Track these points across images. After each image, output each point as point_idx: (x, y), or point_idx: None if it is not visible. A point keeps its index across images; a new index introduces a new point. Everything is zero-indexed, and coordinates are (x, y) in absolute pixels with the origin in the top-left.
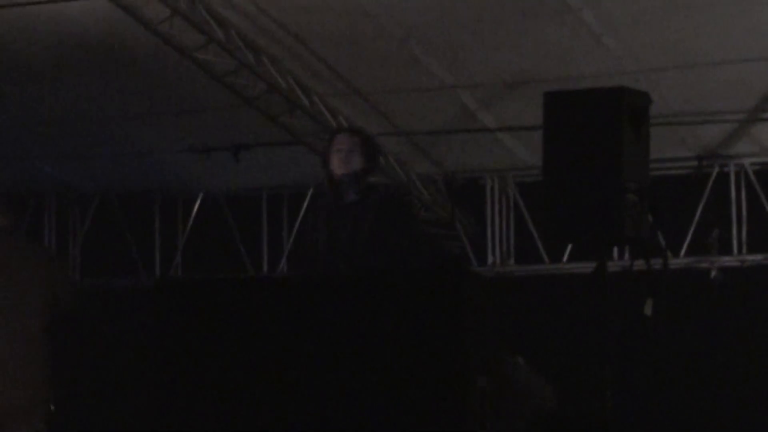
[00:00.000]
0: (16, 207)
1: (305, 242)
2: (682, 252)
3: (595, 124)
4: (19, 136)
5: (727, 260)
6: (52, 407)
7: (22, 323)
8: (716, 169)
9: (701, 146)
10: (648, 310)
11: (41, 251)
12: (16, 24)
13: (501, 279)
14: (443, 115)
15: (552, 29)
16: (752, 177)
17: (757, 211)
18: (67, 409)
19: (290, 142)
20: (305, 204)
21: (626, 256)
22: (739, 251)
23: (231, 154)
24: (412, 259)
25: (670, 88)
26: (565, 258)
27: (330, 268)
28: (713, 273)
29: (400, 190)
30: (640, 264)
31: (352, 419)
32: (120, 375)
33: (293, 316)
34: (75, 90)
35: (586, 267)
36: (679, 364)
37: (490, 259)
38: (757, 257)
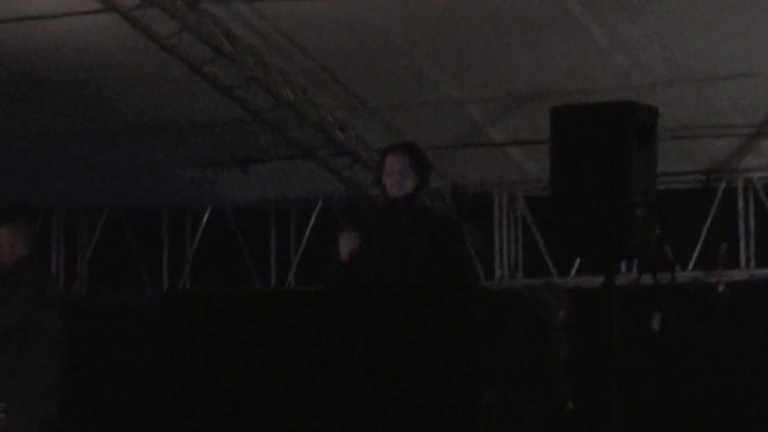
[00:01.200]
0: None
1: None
2: (690, 266)
3: (603, 139)
4: (27, 150)
5: (735, 274)
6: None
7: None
8: (724, 184)
9: (709, 160)
10: (656, 324)
11: (54, 280)
12: (27, 38)
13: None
14: (451, 129)
15: (560, 44)
16: (760, 191)
17: (764, 225)
18: (75, 422)
19: (298, 156)
20: (313, 216)
21: (634, 270)
22: (747, 265)
23: (239, 167)
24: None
25: (677, 102)
26: (573, 272)
27: (379, 284)
28: (721, 287)
29: (451, 213)
30: (647, 278)
31: None
32: (126, 390)
33: (301, 331)
34: (84, 104)
35: (594, 281)
36: (687, 378)
37: (498, 273)
38: (765, 271)
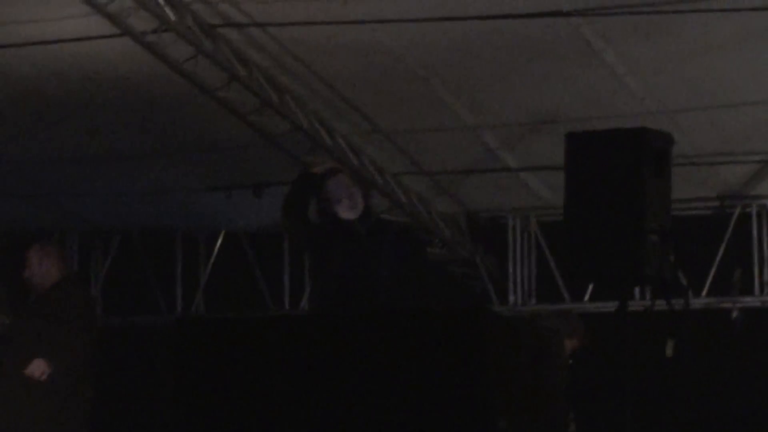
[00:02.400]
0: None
1: (323, 280)
2: (704, 292)
3: (617, 165)
4: (42, 173)
5: (749, 300)
6: None
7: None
8: (738, 210)
9: (723, 186)
10: (669, 350)
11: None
12: (42, 62)
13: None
14: (465, 154)
15: (574, 70)
16: None
17: None
18: None
19: None
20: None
21: (648, 296)
22: (761, 291)
23: (253, 192)
24: (428, 295)
25: (692, 128)
26: (587, 297)
27: (347, 306)
28: (735, 313)
29: (412, 227)
30: (661, 304)
31: None
32: (140, 413)
33: (314, 355)
34: (97, 128)
35: (608, 307)
36: (701, 404)
37: (511, 299)
38: None
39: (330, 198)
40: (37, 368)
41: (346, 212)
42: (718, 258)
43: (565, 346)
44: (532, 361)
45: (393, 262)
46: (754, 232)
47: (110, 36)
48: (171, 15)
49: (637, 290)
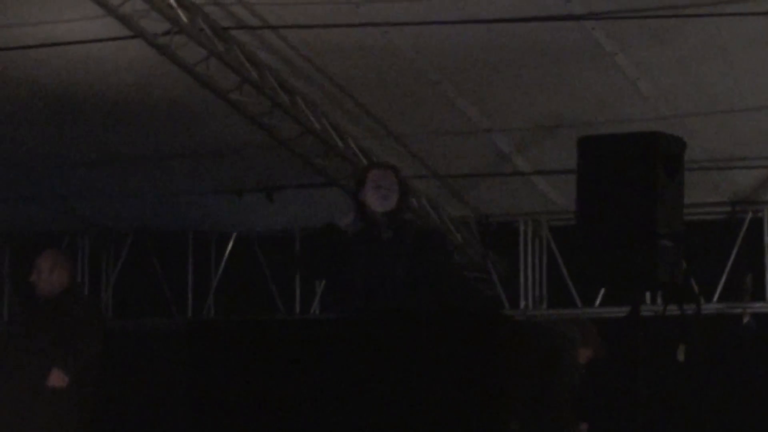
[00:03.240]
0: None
1: (340, 279)
2: (715, 297)
3: (629, 169)
4: (53, 175)
5: (760, 306)
6: None
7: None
8: (750, 215)
9: (735, 192)
10: (681, 355)
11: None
12: (54, 64)
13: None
14: (477, 158)
15: (587, 73)
16: None
17: None
18: None
19: (324, 184)
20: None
21: (659, 301)
22: None
23: (264, 195)
24: (447, 295)
25: (704, 133)
26: (598, 302)
27: (367, 306)
28: (746, 318)
29: (433, 227)
30: (673, 309)
31: None
32: (151, 415)
33: (325, 358)
34: (110, 130)
35: (619, 311)
36: (712, 409)
37: (522, 303)
38: None
39: (368, 184)
40: (58, 379)
41: (378, 202)
42: (729, 263)
43: (579, 355)
44: (544, 366)
45: (411, 263)
46: (766, 238)
47: (122, 38)
48: (183, 17)
49: (648, 295)
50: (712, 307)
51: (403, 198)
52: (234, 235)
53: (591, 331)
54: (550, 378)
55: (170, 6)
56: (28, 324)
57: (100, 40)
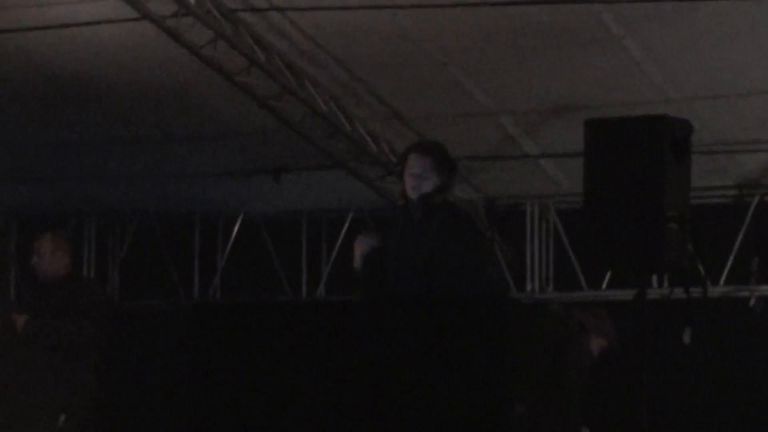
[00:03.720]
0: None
1: (369, 261)
2: (722, 280)
3: (637, 152)
4: (60, 157)
5: (767, 289)
6: (63, 417)
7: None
8: (756, 198)
9: (742, 175)
10: (687, 338)
11: (99, 288)
12: (60, 46)
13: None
14: (484, 140)
15: (594, 56)
16: None
17: None
18: (107, 428)
19: (331, 166)
20: (345, 227)
21: (666, 283)
22: None
23: (271, 177)
24: (472, 275)
25: (712, 116)
26: (605, 285)
27: (396, 285)
28: (752, 301)
29: (468, 209)
30: (679, 292)
31: None
32: (158, 396)
33: (331, 340)
34: (116, 112)
35: (626, 294)
36: (719, 392)
37: (529, 286)
38: None
39: (406, 169)
40: (19, 320)
41: (410, 189)
42: (736, 246)
43: (591, 343)
44: (552, 350)
45: (434, 245)
46: None
47: (130, 20)
48: None
49: (655, 278)
50: (718, 290)
51: (442, 179)
52: (241, 217)
53: (606, 320)
54: (558, 362)
55: None
56: (34, 307)
57: (107, 22)
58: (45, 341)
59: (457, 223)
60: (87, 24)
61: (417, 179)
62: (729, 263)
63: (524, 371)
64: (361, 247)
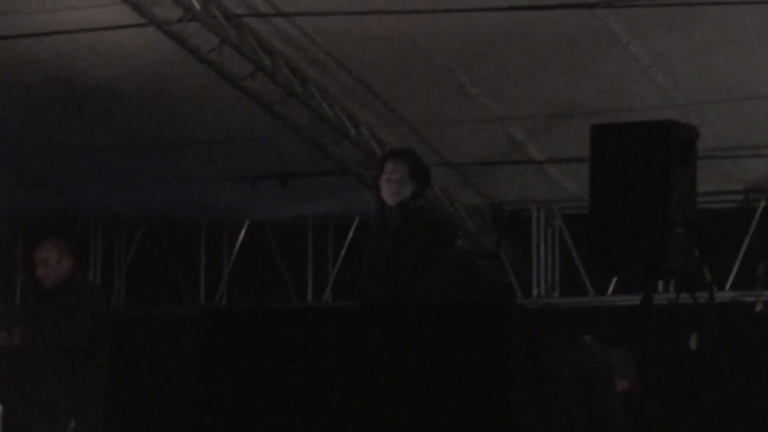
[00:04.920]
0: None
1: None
2: (728, 285)
3: (643, 157)
4: (66, 163)
5: None
6: (72, 423)
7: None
8: (763, 203)
9: (748, 180)
10: (693, 343)
11: (95, 289)
12: (67, 51)
13: (545, 311)
14: (490, 146)
15: (600, 62)
16: None
17: None
18: None
19: (337, 172)
20: (351, 232)
21: (672, 289)
22: None
23: (278, 182)
24: (449, 285)
25: (717, 121)
26: (610, 290)
27: (370, 294)
28: (759, 307)
29: (442, 216)
30: (685, 297)
31: None
32: (163, 402)
33: (337, 346)
34: (122, 117)
35: (631, 300)
36: (724, 397)
37: (534, 291)
38: None
39: (383, 176)
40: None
41: (388, 196)
42: (742, 251)
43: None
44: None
45: (419, 252)
46: None
47: (135, 25)
48: (196, 4)
49: (661, 283)
50: (724, 295)
51: (418, 185)
52: (247, 222)
53: (630, 362)
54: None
55: None
56: (36, 312)
57: (113, 28)
58: (42, 344)
59: (429, 228)
60: (94, 30)
61: (396, 185)
62: (735, 268)
63: (531, 377)
64: None
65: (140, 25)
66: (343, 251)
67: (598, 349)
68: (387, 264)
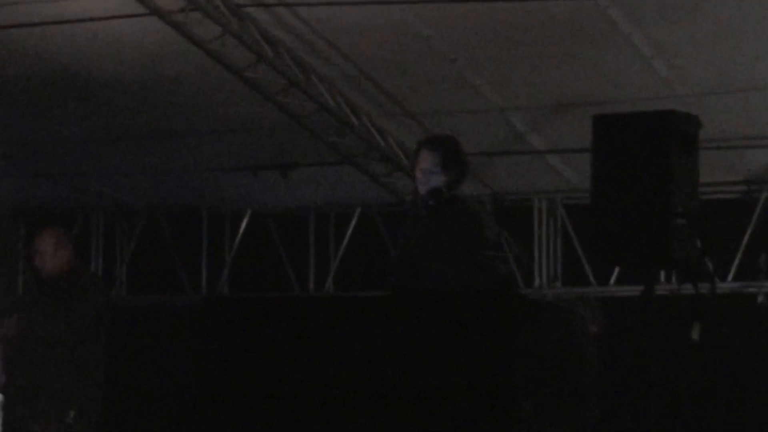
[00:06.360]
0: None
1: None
2: (730, 276)
3: (645, 148)
4: (67, 152)
5: None
6: (72, 413)
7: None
8: (765, 194)
9: (750, 171)
10: (695, 334)
11: (95, 280)
12: (69, 40)
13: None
14: (492, 136)
15: (602, 52)
16: None
17: None
18: (114, 424)
19: (339, 162)
20: (353, 222)
21: (674, 279)
22: None
23: (279, 172)
24: (473, 273)
25: (719, 112)
26: (612, 281)
27: (399, 281)
28: (760, 297)
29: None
30: (687, 288)
31: None
32: (165, 391)
33: (339, 335)
34: (123, 107)
35: (633, 290)
36: (727, 388)
37: (536, 281)
38: None
39: (415, 164)
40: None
41: (419, 184)
42: (744, 242)
43: (592, 333)
44: (563, 347)
45: (446, 243)
46: None
47: (137, 15)
48: None
49: (663, 274)
50: (726, 286)
51: (450, 174)
52: (249, 212)
53: (595, 307)
54: (566, 357)
55: None
56: (36, 301)
57: (115, 17)
58: (40, 334)
59: (461, 218)
60: (94, 19)
61: (425, 174)
62: (737, 259)
63: (531, 368)
64: None
65: (142, 15)
66: (345, 241)
67: (568, 308)
68: (413, 253)
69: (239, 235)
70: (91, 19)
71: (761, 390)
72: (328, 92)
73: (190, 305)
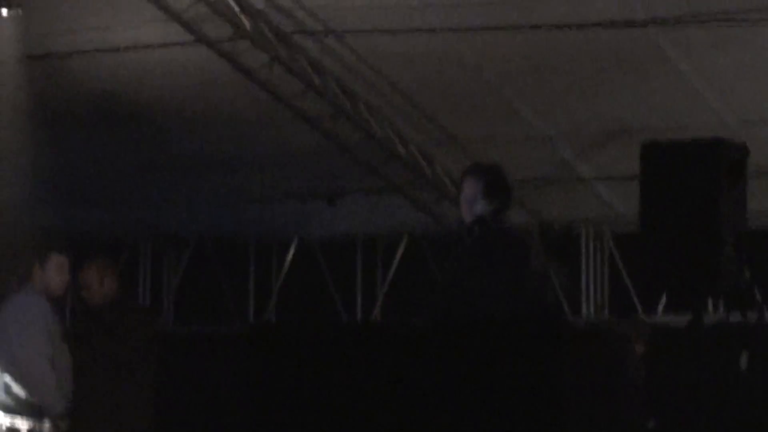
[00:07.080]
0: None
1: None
2: None
3: (693, 176)
4: (116, 182)
5: None
6: None
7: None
8: None
9: None
10: (744, 363)
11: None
12: (119, 69)
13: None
14: (539, 164)
15: (650, 80)
16: None
17: None
18: None
19: (386, 190)
20: (400, 250)
21: (721, 308)
22: None
23: (326, 201)
24: (519, 302)
25: (767, 139)
26: (660, 309)
27: (445, 310)
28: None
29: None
30: (735, 316)
31: None
32: (212, 420)
33: (388, 363)
34: (171, 136)
35: (681, 319)
36: None
37: (584, 310)
38: None
39: (459, 193)
40: None
41: (463, 213)
42: None
43: (636, 352)
44: (607, 372)
45: (496, 271)
46: None
47: (185, 43)
48: (246, 23)
49: (710, 302)
50: None
51: (493, 202)
52: (295, 240)
53: (638, 324)
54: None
55: (233, 11)
56: (84, 333)
57: (164, 45)
58: (87, 365)
59: (507, 247)
60: (144, 47)
61: (469, 202)
62: None
63: (579, 397)
64: None
65: (190, 44)
66: (393, 269)
67: (615, 330)
68: (459, 282)
69: (286, 264)
70: (141, 47)
71: None
72: (375, 120)
73: (237, 333)
